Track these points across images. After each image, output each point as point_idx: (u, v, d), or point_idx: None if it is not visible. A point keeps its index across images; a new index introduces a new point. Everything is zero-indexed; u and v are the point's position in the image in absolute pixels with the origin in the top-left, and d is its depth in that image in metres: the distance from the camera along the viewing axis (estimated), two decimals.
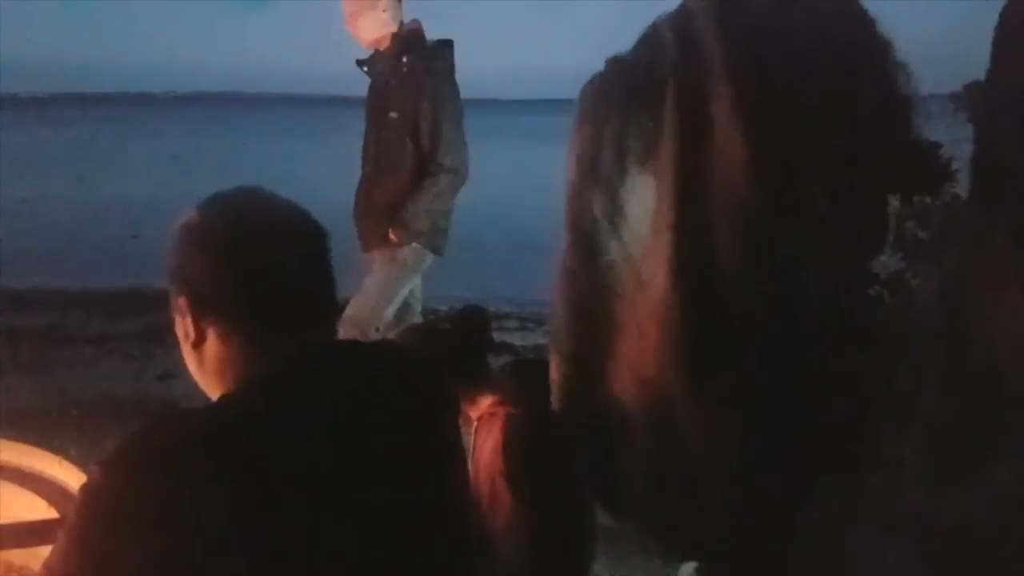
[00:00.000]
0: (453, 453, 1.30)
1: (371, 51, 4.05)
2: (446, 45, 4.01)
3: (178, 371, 1.28)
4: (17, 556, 1.49)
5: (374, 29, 3.95)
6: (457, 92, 3.99)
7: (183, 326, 1.23)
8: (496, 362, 2.50)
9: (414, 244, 3.94)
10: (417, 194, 3.89)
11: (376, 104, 4.02)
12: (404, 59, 3.94)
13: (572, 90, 1.80)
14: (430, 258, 4.03)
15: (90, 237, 11.68)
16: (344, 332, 3.69)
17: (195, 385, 1.28)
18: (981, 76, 4.98)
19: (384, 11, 3.94)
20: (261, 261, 1.20)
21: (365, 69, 4.06)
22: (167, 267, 1.24)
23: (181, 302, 1.21)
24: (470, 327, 2.34)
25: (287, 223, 1.25)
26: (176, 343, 1.26)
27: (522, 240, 12.22)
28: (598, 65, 1.78)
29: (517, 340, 6.17)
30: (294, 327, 1.21)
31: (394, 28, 3.97)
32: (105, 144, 31.74)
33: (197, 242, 1.21)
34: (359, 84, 4.15)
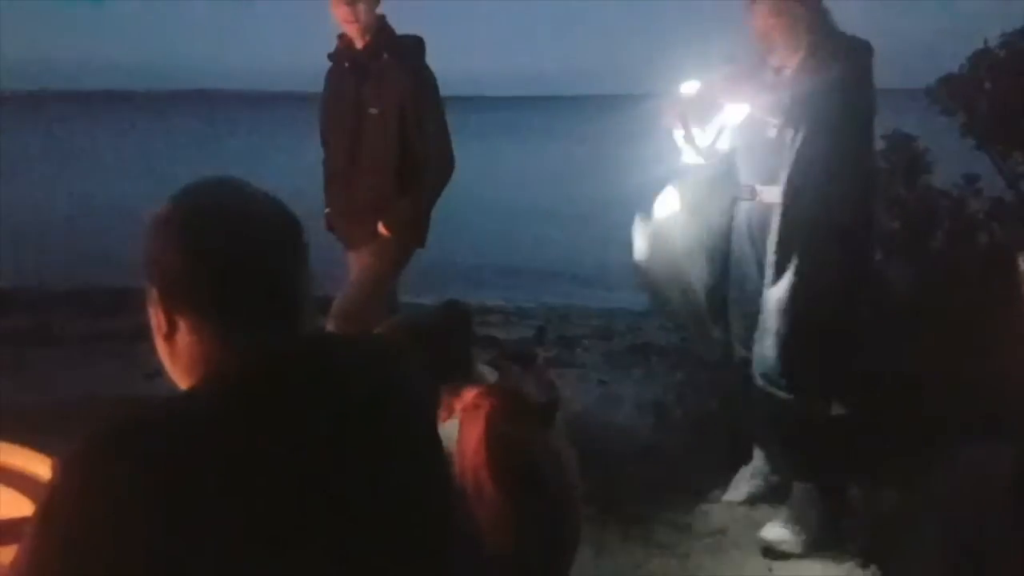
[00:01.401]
0: (433, 445, 1.28)
1: (339, 45, 3.99)
2: (419, 41, 3.98)
3: (165, 369, 1.29)
4: (2, 554, 1.48)
5: (372, 17, 3.89)
6: (438, 87, 3.97)
7: (155, 317, 1.21)
8: (481, 356, 2.52)
9: (405, 239, 3.96)
10: (412, 191, 3.90)
11: (351, 100, 3.96)
12: (384, 55, 3.91)
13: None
14: (415, 249, 4.06)
15: (73, 236, 11.62)
16: (334, 327, 3.72)
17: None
18: (954, 70, 5.08)
19: (374, 2, 3.90)
20: (232, 252, 1.17)
21: (346, 64, 3.99)
22: (141, 258, 1.21)
23: (153, 293, 1.20)
24: (451, 321, 2.36)
25: (260, 214, 1.22)
26: None
27: (506, 234, 12.33)
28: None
29: (501, 334, 6.20)
30: (267, 320, 1.18)
31: (373, 24, 3.92)
32: (85, 142, 31.50)
33: (168, 232, 1.19)
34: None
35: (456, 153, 3.99)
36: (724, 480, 3.65)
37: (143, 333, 1.29)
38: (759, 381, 3.23)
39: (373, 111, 3.89)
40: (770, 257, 3.13)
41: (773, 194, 3.18)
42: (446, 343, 2.26)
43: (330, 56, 4.07)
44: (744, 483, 3.61)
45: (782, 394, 3.18)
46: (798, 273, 3.08)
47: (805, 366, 3.14)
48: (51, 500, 1.04)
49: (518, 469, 2.17)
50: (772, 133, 3.15)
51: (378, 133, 3.89)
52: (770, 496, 3.54)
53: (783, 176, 3.09)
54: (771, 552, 3.25)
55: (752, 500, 3.57)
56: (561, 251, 11.27)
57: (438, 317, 2.38)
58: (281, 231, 1.22)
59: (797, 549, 3.23)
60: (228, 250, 1.17)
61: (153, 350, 1.25)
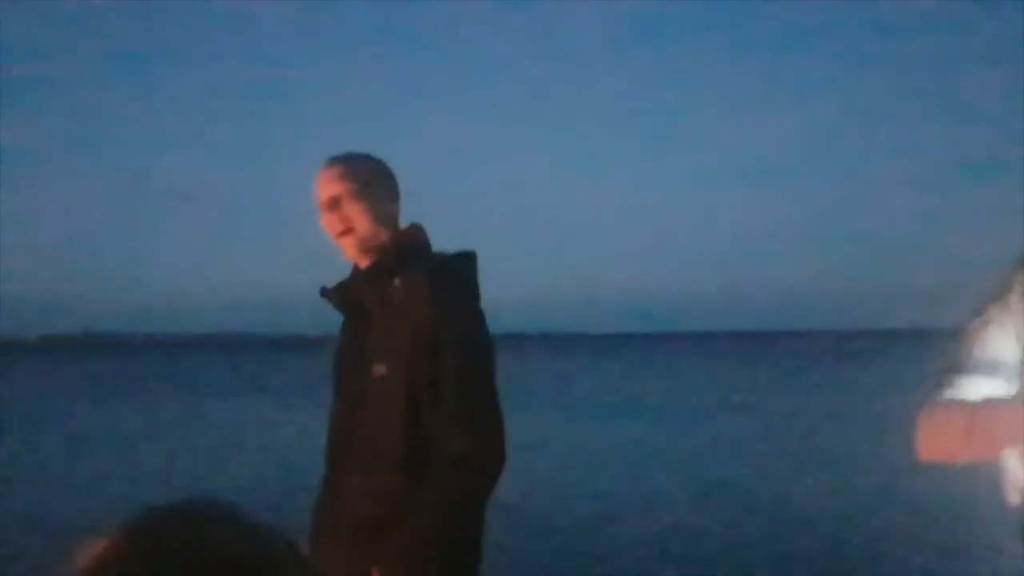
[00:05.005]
0: None
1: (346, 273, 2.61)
2: (465, 258, 2.56)
3: None
4: None
5: (376, 225, 2.48)
6: (486, 331, 2.49)
7: None
8: None
9: None
10: (419, 511, 2.34)
11: (349, 357, 2.55)
12: (396, 280, 2.45)
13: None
14: None
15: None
16: None
17: None
18: None
19: (383, 202, 2.51)
20: None
21: (342, 299, 2.58)
22: None
23: None
24: None
25: (235, 557, 0.87)
26: None
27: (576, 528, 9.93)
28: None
29: None
30: None
31: (385, 234, 2.57)
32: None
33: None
34: None
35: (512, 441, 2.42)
36: None
37: None
38: None
39: (380, 370, 2.44)
40: None
41: None
42: None
43: (322, 291, 2.61)
44: None
45: None
46: None
47: None
48: None
49: None
50: None
51: (382, 407, 2.44)
52: None
53: None
54: None
55: None
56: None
57: None
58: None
59: None
60: None
61: None
